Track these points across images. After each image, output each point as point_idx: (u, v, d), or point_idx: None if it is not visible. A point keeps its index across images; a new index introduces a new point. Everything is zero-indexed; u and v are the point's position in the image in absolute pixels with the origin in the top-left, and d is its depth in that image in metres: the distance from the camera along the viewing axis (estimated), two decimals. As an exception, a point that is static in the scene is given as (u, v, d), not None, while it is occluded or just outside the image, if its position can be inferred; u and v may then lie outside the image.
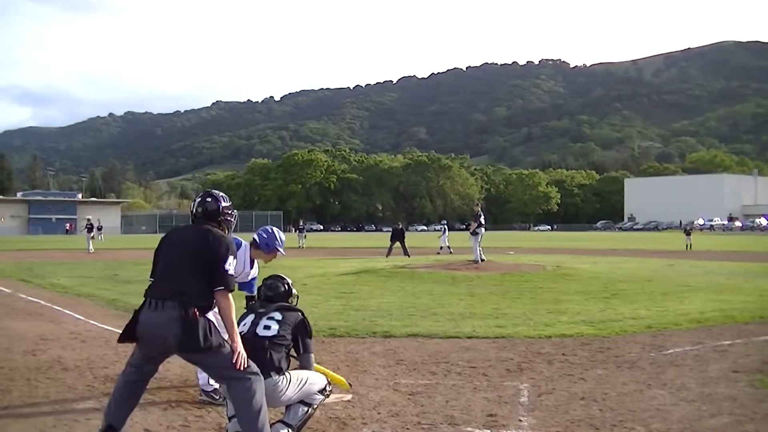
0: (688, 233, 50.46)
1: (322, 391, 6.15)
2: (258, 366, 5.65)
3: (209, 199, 5.98)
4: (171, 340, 5.34)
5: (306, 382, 6.02)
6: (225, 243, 5.67)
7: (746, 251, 44.37)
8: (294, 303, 6.59)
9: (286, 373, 5.90)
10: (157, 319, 5.41)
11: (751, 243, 59.53)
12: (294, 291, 6.65)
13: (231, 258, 5.60)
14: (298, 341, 6.12)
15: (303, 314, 6.33)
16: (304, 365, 6.16)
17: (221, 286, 5.50)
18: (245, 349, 5.60)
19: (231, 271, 5.57)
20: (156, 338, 5.45)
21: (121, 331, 5.69)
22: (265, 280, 6.67)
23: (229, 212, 6.12)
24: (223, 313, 5.54)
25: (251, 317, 6.22)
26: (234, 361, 5.43)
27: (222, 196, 6.14)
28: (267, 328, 6.05)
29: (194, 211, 5.96)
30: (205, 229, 5.75)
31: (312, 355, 6.24)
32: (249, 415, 5.44)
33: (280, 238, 7.60)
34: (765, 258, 35.26)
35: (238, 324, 5.98)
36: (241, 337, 5.79)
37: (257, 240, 7.47)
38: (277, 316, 6.15)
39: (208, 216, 5.90)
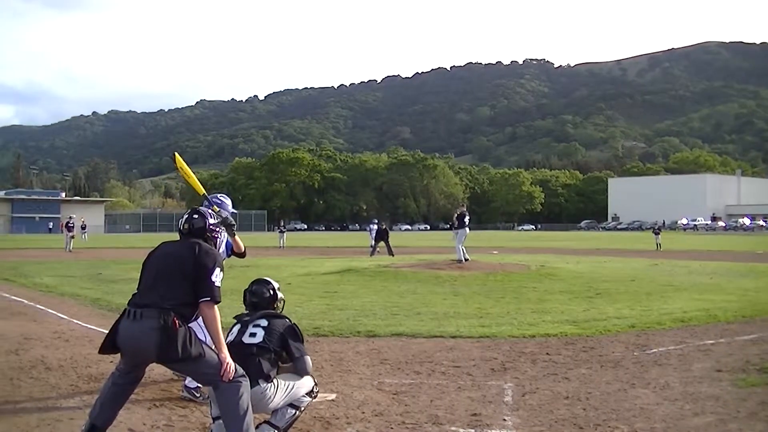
0: (656, 233, 51.02)
1: (309, 394, 6.15)
2: (245, 373, 5.67)
3: (196, 216, 6.00)
4: (150, 349, 5.35)
5: (293, 387, 6.01)
6: (213, 255, 5.71)
7: (729, 251, 44.59)
8: (280, 307, 6.57)
9: (274, 381, 5.89)
10: (135, 328, 5.41)
11: (734, 243, 59.79)
12: (280, 295, 6.61)
13: (218, 270, 5.63)
14: (290, 347, 6.07)
15: (290, 320, 6.32)
16: (301, 369, 6.10)
17: (207, 297, 5.52)
18: (233, 357, 5.63)
19: (218, 283, 5.60)
20: (135, 348, 5.45)
21: (102, 341, 5.71)
22: (250, 285, 6.64)
23: (216, 229, 6.16)
24: (209, 324, 5.55)
25: (238, 326, 6.22)
26: (221, 373, 5.44)
27: (209, 213, 6.19)
28: (253, 335, 6.04)
29: (181, 227, 5.98)
30: (193, 242, 5.78)
31: (308, 358, 6.18)
32: (235, 418, 5.45)
33: (228, 203, 8.08)
34: (747, 258, 35.51)
35: (227, 333, 6.00)
36: (229, 345, 5.84)
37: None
38: (263, 323, 6.14)
39: (195, 233, 5.91)
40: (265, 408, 5.91)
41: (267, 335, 6.03)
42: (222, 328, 5.62)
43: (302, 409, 6.14)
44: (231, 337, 6.10)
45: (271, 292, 6.53)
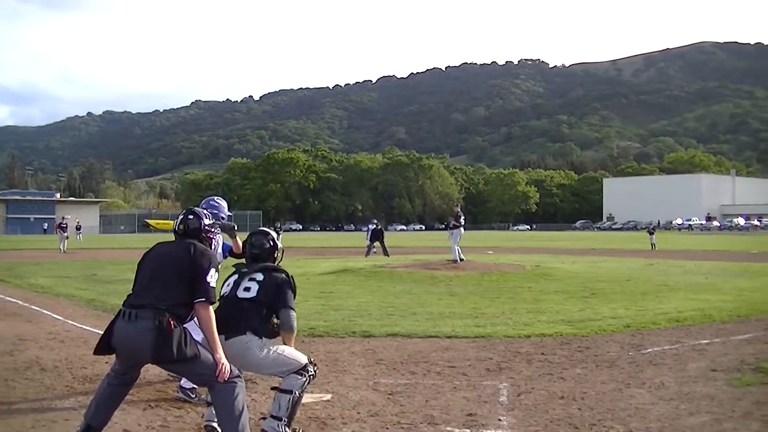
0: (651, 233, 51.72)
1: (301, 372, 5.99)
2: (234, 325, 5.75)
3: (191, 217, 6.00)
4: (145, 350, 5.33)
5: (282, 352, 5.97)
6: (208, 256, 5.70)
7: (724, 251, 44.62)
8: (279, 257, 6.57)
9: (263, 339, 5.89)
10: (130, 329, 5.39)
11: (729, 243, 59.86)
12: (279, 245, 6.65)
13: (213, 271, 5.62)
14: (279, 297, 6.05)
15: (288, 274, 6.29)
16: (284, 322, 6.03)
17: (202, 298, 5.51)
18: (225, 311, 5.79)
19: (213, 284, 5.60)
20: (130, 349, 5.44)
21: (97, 341, 5.69)
22: (249, 236, 6.67)
23: (212, 230, 6.14)
24: (204, 324, 5.54)
25: (234, 278, 6.23)
26: (216, 374, 5.42)
27: (205, 213, 6.17)
28: (247, 289, 6.05)
29: (176, 228, 5.98)
30: (188, 242, 5.77)
31: (293, 312, 6.08)
32: (230, 418, 5.46)
33: (224, 206, 8.19)
34: (742, 257, 35.54)
35: (223, 283, 6.07)
36: (222, 297, 5.96)
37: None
38: (259, 277, 6.13)
39: (190, 233, 5.91)
40: (249, 362, 5.87)
41: (261, 290, 6.04)
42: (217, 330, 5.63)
43: (296, 393, 5.95)
44: (226, 289, 6.14)
45: (271, 242, 6.56)
